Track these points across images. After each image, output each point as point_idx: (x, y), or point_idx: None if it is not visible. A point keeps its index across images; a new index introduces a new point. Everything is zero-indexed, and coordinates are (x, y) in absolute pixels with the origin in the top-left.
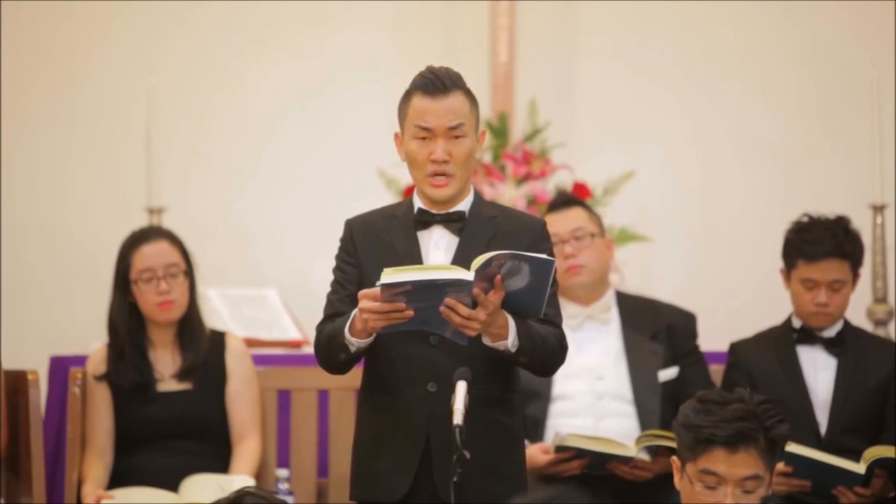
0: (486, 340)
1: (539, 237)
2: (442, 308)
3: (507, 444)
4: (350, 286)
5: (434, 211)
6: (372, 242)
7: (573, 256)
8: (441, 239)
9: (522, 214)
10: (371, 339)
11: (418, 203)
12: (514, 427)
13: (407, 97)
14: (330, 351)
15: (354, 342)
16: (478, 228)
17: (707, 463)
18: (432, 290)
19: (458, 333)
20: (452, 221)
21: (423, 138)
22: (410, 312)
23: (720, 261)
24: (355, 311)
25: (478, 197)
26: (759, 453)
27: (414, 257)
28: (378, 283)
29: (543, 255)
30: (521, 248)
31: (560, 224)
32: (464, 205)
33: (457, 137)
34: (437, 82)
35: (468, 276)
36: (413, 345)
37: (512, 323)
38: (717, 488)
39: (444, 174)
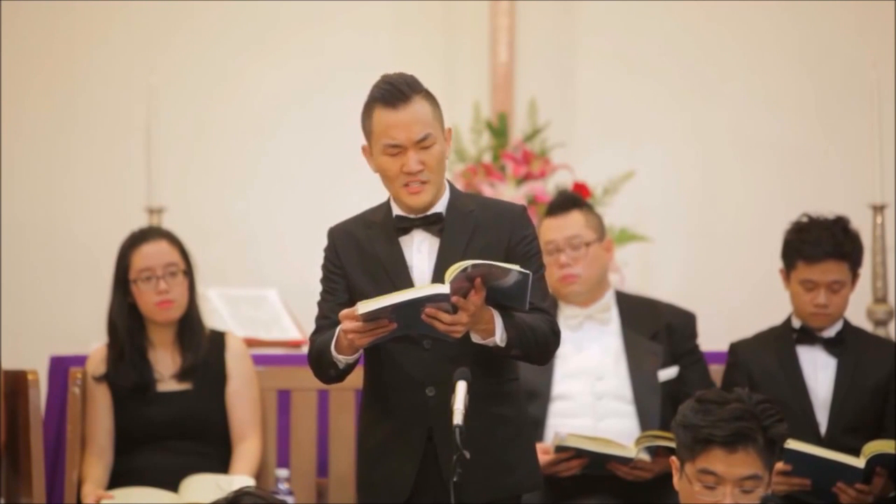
0: (475, 338)
1: (520, 224)
2: (424, 317)
3: (514, 435)
4: (340, 294)
5: (412, 216)
6: (355, 253)
7: (568, 266)
8: (422, 243)
9: (500, 203)
10: (359, 353)
11: (396, 209)
12: (518, 418)
13: (368, 110)
14: (321, 367)
15: (342, 359)
16: (457, 226)
17: (706, 463)
18: (412, 307)
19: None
20: (431, 224)
21: (393, 154)
22: (394, 325)
23: (720, 261)
24: (339, 330)
25: (454, 192)
26: (757, 453)
27: (398, 264)
28: (357, 314)
29: (517, 268)
30: (504, 237)
31: (556, 231)
32: (440, 205)
33: (426, 147)
34: (395, 92)
35: (444, 289)
36: (408, 351)
37: (498, 318)
38: (716, 488)
39: (419, 182)
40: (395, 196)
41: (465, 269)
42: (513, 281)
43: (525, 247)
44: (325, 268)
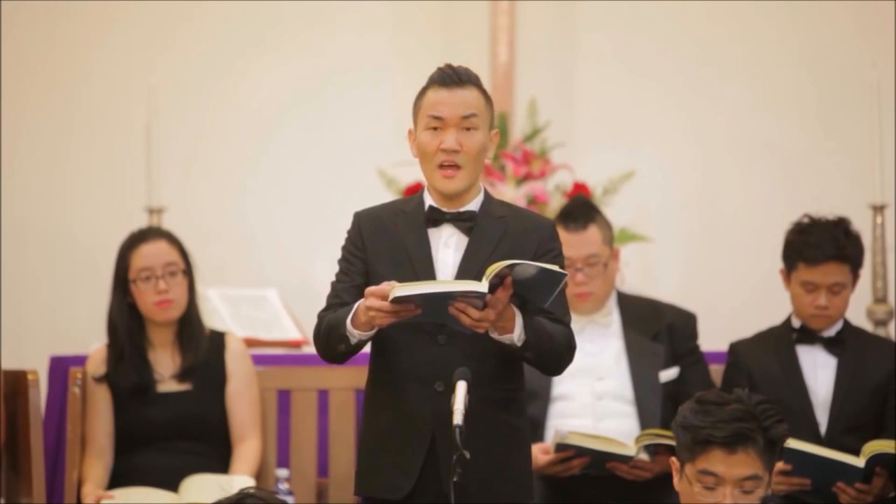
0: (493, 333)
1: (548, 238)
2: (452, 310)
3: (516, 444)
4: (356, 277)
5: (445, 209)
6: (380, 238)
7: (583, 284)
8: (451, 237)
9: (531, 214)
10: (373, 331)
11: (429, 200)
12: (522, 427)
13: (422, 93)
14: (329, 341)
15: (356, 334)
16: (487, 228)
17: (705, 464)
18: (443, 298)
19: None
20: (463, 221)
21: (435, 128)
22: (418, 311)
23: (720, 261)
24: (359, 303)
25: (487, 196)
26: (757, 454)
27: (423, 254)
28: (389, 299)
29: (556, 268)
30: (531, 248)
31: (575, 248)
32: (474, 204)
33: (469, 129)
34: (453, 75)
35: (482, 287)
36: (422, 344)
37: (519, 317)
38: (716, 489)
39: (453, 165)
40: (429, 178)
41: (509, 267)
42: (545, 278)
43: (551, 261)
44: (345, 249)
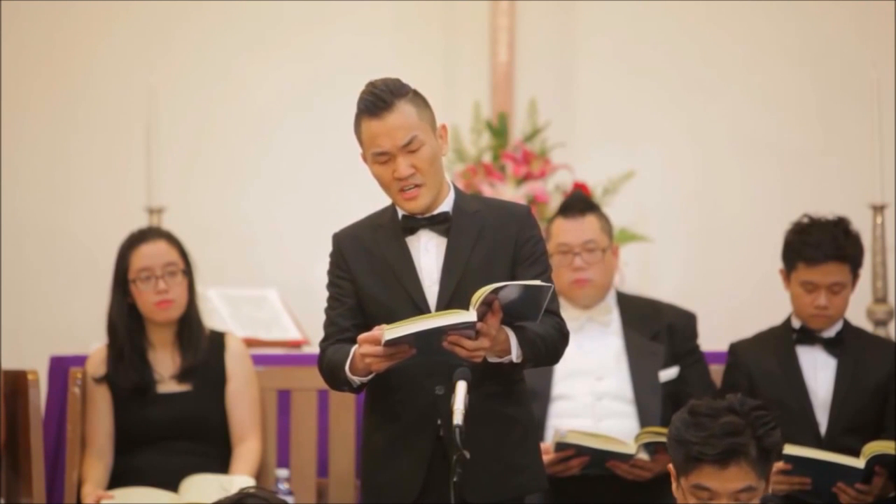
0: (491, 357)
1: (526, 225)
2: (445, 344)
3: (522, 436)
4: (347, 300)
5: (418, 216)
6: (362, 255)
7: (581, 270)
8: (429, 242)
9: (505, 203)
10: (372, 374)
11: (402, 211)
12: (526, 419)
13: (357, 122)
14: (334, 382)
15: (356, 380)
16: (464, 226)
17: (699, 479)
18: (435, 333)
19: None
20: (438, 223)
21: (384, 162)
22: (413, 351)
23: (720, 261)
24: (354, 350)
25: (458, 193)
26: (750, 466)
27: (405, 264)
28: (381, 342)
29: (539, 283)
30: (510, 238)
31: (572, 234)
32: (446, 205)
33: (414, 150)
34: (378, 102)
35: (471, 317)
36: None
37: (513, 337)
38: (711, 502)
39: (413, 186)
40: (394, 202)
41: (494, 292)
42: (530, 295)
43: (532, 247)
44: (331, 273)
